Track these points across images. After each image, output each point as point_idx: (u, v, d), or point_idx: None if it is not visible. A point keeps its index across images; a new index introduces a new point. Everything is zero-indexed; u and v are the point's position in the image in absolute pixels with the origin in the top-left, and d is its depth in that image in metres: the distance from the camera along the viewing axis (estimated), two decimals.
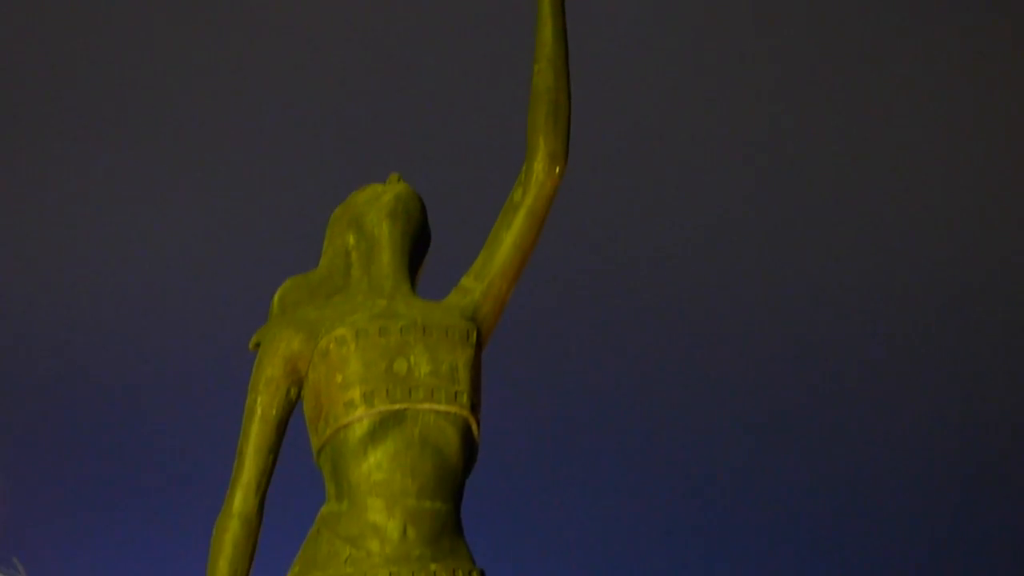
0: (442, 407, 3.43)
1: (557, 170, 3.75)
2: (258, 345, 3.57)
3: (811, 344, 13.01)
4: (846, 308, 13.06)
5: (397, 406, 3.37)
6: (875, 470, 12.78)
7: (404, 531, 3.34)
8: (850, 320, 13.09)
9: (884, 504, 12.71)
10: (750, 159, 13.09)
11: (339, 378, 3.39)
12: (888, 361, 13.02)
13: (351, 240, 3.87)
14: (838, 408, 12.90)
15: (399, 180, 3.89)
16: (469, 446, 3.50)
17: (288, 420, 3.54)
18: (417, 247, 3.89)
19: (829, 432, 12.80)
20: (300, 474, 3.70)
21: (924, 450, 12.65)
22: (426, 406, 3.42)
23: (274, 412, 3.49)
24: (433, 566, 3.30)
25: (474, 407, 3.50)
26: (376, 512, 3.34)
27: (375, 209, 3.80)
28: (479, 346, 3.59)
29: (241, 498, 3.47)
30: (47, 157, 12.03)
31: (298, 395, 3.53)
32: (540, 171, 3.74)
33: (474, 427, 3.50)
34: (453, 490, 3.46)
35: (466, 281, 3.80)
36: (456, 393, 3.45)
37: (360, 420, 3.35)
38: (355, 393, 3.36)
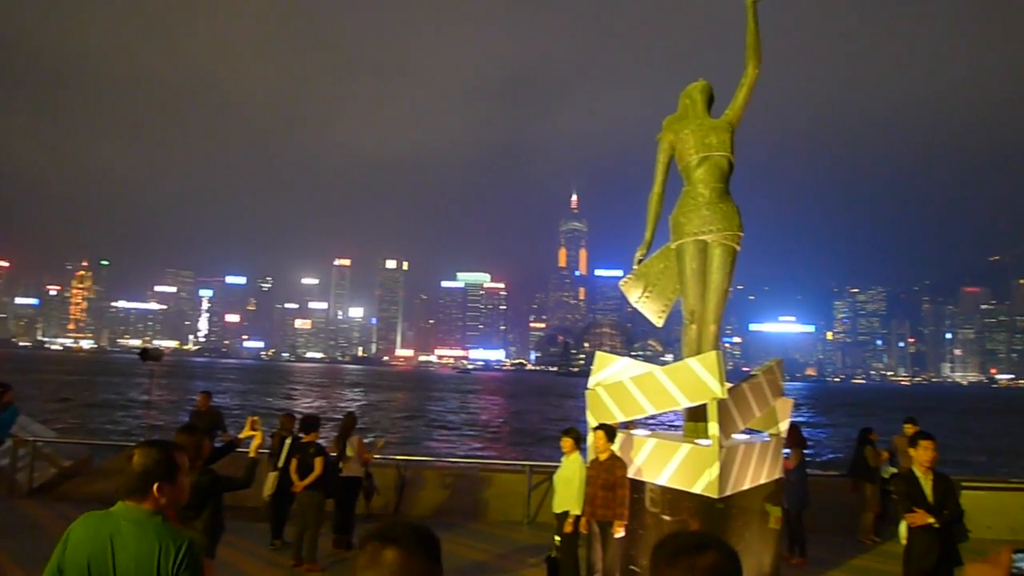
0: (721, 153, 8.67)
1: (756, 71, 8.80)
2: (658, 138, 9.39)
3: None
4: None
5: (705, 153, 8.75)
6: None
7: (711, 195, 8.60)
8: None
9: None
10: None
11: (686, 146, 8.88)
12: None
13: (687, 101, 9.32)
14: None
15: (703, 80, 9.42)
16: (731, 166, 8.76)
17: (670, 162, 9.14)
18: (710, 101, 9.27)
19: None
20: (673, 182, 10.01)
21: None
22: (716, 153, 8.67)
23: (666, 160, 9.15)
24: (721, 205, 8.61)
25: (732, 152, 8.73)
26: (701, 188, 8.66)
27: (695, 89, 9.28)
28: (733, 132, 8.89)
29: (657, 185, 9.13)
30: None
31: (672, 153, 9.16)
32: (750, 69, 8.86)
33: (733, 159, 8.74)
34: (727, 179, 8.74)
35: (727, 111, 9.07)
36: (725, 148, 8.71)
37: (693, 157, 8.81)
38: (691, 149, 8.81)
